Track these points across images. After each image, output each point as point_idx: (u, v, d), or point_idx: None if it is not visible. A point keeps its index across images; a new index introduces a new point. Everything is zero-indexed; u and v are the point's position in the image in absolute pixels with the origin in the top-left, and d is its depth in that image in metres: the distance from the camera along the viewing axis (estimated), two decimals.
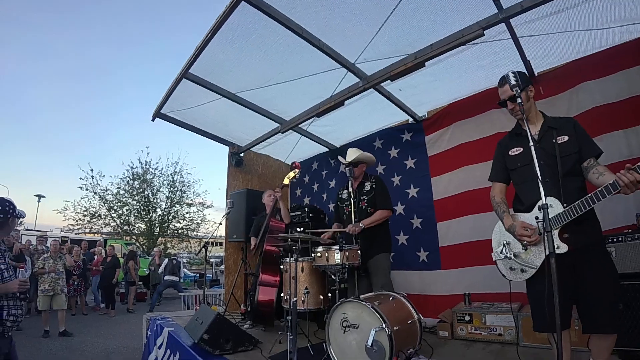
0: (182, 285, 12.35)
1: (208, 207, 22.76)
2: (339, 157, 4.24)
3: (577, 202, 2.02)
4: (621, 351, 2.73)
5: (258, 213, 5.36)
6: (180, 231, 21.72)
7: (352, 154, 4.05)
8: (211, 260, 18.61)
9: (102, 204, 19.81)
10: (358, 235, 3.73)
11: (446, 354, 3.33)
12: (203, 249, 5.58)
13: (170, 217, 21.28)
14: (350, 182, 3.84)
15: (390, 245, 4.03)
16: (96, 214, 19.69)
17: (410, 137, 5.44)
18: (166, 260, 11.92)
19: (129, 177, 20.34)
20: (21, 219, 2.99)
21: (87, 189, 19.44)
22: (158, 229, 20.82)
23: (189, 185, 21.80)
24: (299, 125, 5.54)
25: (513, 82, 2.13)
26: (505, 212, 2.44)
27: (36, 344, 6.54)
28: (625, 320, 2.70)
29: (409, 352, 2.76)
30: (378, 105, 5.00)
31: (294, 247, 3.48)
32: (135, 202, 20.36)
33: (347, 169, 3.88)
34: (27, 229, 18.10)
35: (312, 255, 3.63)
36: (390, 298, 3.09)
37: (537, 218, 2.15)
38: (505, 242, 2.38)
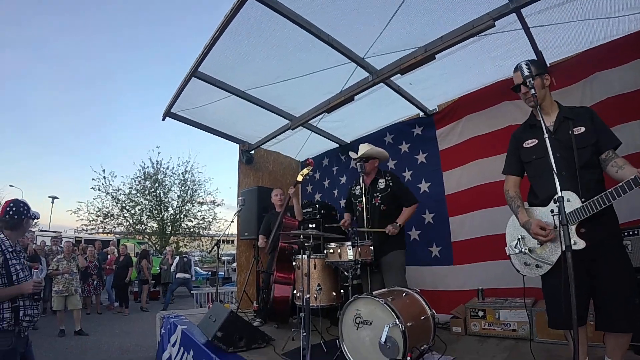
0: (192, 283, 12.45)
1: (219, 205, 22.93)
2: (350, 153, 4.22)
3: (595, 198, 1.96)
4: (637, 346, 2.67)
5: (268, 211, 5.36)
6: (192, 230, 21.90)
7: (364, 149, 4.03)
8: (223, 258, 18.73)
9: (115, 204, 20.12)
10: (372, 233, 3.73)
11: (460, 350, 3.30)
12: (215, 247, 5.61)
13: (182, 216, 21.50)
14: (361, 177, 3.81)
15: (404, 242, 4.00)
16: (109, 214, 19.99)
17: (421, 131, 5.39)
18: (177, 258, 12.02)
19: (141, 177, 20.62)
20: (35, 220, 3.01)
21: (99, 190, 19.77)
22: (170, 227, 21.03)
23: (199, 184, 22.02)
24: (309, 122, 5.52)
25: (526, 72, 2.06)
26: (520, 206, 2.39)
27: (52, 343, 6.63)
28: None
29: (422, 348, 2.74)
30: (388, 100, 4.95)
31: (306, 244, 3.47)
32: (147, 201, 20.60)
33: (357, 164, 3.86)
34: (41, 230, 18.42)
35: (325, 251, 3.62)
36: (404, 294, 3.07)
37: (552, 211, 2.10)
38: (520, 237, 2.33)
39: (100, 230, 20.20)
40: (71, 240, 11.04)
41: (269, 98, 5.13)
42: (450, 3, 3.32)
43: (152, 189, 20.55)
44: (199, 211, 22.21)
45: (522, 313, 3.44)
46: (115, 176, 20.33)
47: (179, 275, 11.38)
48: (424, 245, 5.12)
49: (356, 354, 2.84)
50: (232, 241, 19.08)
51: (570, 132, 2.21)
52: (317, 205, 5.83)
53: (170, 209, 21.19)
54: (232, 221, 6.31)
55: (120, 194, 20.19)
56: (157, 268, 13.30)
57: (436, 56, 3.68)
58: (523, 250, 2.30)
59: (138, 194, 20.52)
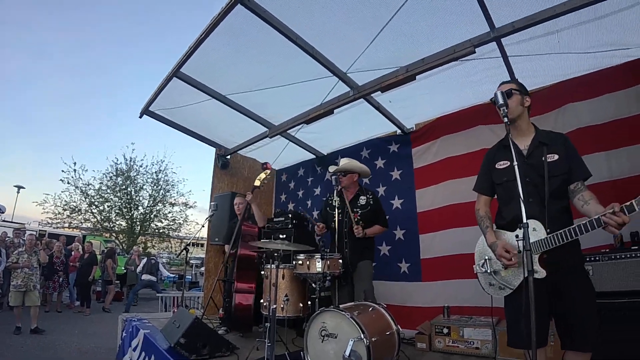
0: (160, 285, 12.17)
1: (191, 207, 22.56)
2: (330, 167, 4.25)
3: (560, 232, 2.00)
4: None
5: (233, 218, 5.32)
6: (161, 231, 21.44)
7: (344, 162, 4.07)
8: (191, 262, 18.40)
9: (83, 198, 19.49)
10: (347, 244, 3.75)
11: None
12: (184, 251, 5.52)
13: (152, 216, 21.02)
14: (336, 191, 3.84)
15: (373, 254, 4.06)
16: (76, 209, 19.35)
17: (397, 148, 5.48)
18: (145, 259, 11.74)
19: (113, 173, 20.09)
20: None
21: (68, 183, 19.11)
22: (139, 227, 20.53)
23: (173, 185, 21.60)
24: (287, 131, 5.53)
25: (501, 101, 2.12)
26: (488, 227, 2.42)
27: (7, 340, 6.38)
28: (599, 337, 2.74)
29: None
30: (367, 115, 5.02)
31: (275, 254, 3.46)
32: (117, 198, 20.06)
33: (332, 177, 3.89)
34: (4, 221, 17.67)
35: (294, 262, 3.62)
36: (370, 309, 3.09)
37: (517, 237, 2.15)
38: (487, 257, 2.37)
39: (66, 225, 19.52)
40: (34, 233, 10.64)
41: (249, 104, 5.12)
42: (434, 27, 3.42)
43: (124, 186, 20.05)
44: (170, 212, 21.78)
45: (486, 331, 3.51)
46: (86, 170, 19.85)
47: (144, 277, 11.10)
48: (393, 261, 5.17)
49: None
50: (202, 245, 18.78)
51: (543, 158, 2.23)
52: (290, 215, 5.81)
53: (140, 207, 20.70)
54: (203, 225, 6.22)
55: (90, 188, 19.61)
56: (123, 268, 12.92)
57: (417, 77, 3.76)
58: (489, 271, 2.34)
59: (108, 190, 19.98)
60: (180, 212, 22.06)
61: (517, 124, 2.34)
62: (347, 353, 2.52)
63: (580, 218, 2.06)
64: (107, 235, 19.79)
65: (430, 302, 4.64)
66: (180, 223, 21.89)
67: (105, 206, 19.89)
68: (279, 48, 3.81)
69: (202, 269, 9.29)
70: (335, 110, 4.57)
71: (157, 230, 21.35)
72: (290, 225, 5.51)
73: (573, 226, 1.97)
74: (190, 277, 16.58)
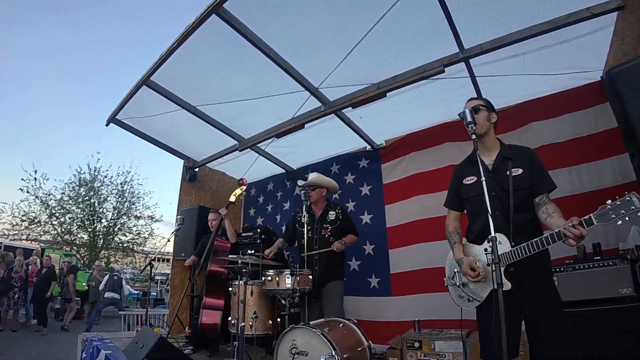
0: (123, 303, 11.70)
1: (157, 221, 21.90)
2: (299, 182, 4.23)
3: (523, 245, 2.05)
4: None
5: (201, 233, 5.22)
6: (125, 245, 20.73)
7: (313, 177, 4.06)
8: (156, 277, 17.83)
9: (43, 209, 18.57)
10: (317, 261, 3.74)
11: None
12: (149, 266, 5.33)
13: (116, 229, 20.30)
14: (306, 206, 3.82)
15: (343, 272, 4.03)
16: (35, 220, 18.41)
17: (367, 164, 5.54)
18: (107, 275, 11.24)
19: (75, 183, 19.30)
20: None
21: (28, 192, 18.22)
22: (102, 240, 19.79)
23: (138, 197, 20.96)
24: (258, 145, 5.50)
25: (469, 119, 2.18)
26: (456, 242, 2.46)
27: None
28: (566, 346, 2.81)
29: None
30: (337, 131, 5.06)
31: (243, 270, 3.39)
32: (79, 210, 19.27)
33: (302, 192, 3.87)
34: None
35: (263, 278, 3.55)
36: (341, 325, 3.06)
37: (486, 250, 2.19)
38: (456, 270, 2.39)
39: (24, 237, 18.56)
40: None
41: (219, 117, 5.07)
42: (406, 46, 3.53)
43: (87, 197, 19.30)
44: (134, 225, 21.08)
45: (457, 344, 3.53)
46: (48, 179, 18.91)
47: (107, 294, 10.61)
48: (363, 276, 5.17)
49: None
50: (168, 260, 18.26)
51: (508, 172, 2.28)
52: (258, 230, 5.73)
53: (104, 220, 19.97)
54: (169, 240, 6.03)
55: (51, 198, 18.72)
56: (85, 285, 12.33)
57: (387, 94, 3.85)
58: (458, 283, 2.37)
59: (70, 201, 19.15)
60: (145, 225, 21.41)
61: (483, 139, 2.40)
62: None
63: (548, 230, 2.12)
64: (68, 248, 18.91)
65: (401, 317, 4.65)
66: (145, 237, 21.24)
67: (67, 218, 19.08)
68: (252, 61, 3.81)
69: (168, 285, 9.01)
70: (306, 125, 4.60)
71: (120, 245, 20.62)
72: (259, 240, 5.43)
73: (535, 239, 2.02)
74: (155, 293, 16.08)
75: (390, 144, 5.33)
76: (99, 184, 19.79)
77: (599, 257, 3.11)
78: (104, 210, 19.98)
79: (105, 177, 19.96)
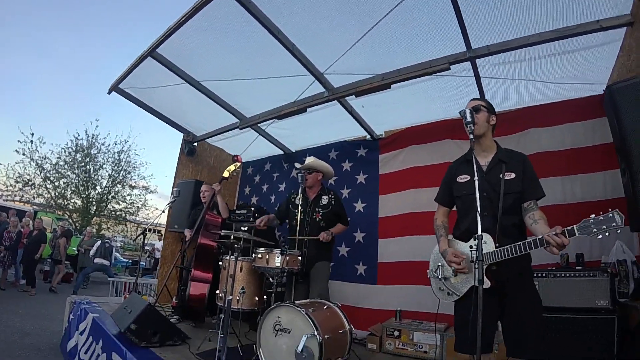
0: (112, 270, 11.78)
1: (151, 192, 21.86)
2: (296, 164, 4.27)
3: (507, 247, 2.11)
4: None
5: (195, 206, 5.26)
6: (118, 213, 20.75)
7: (310, 160, 4.10)
8: (147, 248, 17.90)
9: (38, 172, 18.51)
10: (306, 243, 3.79)
11: None
12: (141, 236, 5.40)
13: (110, 197, 20.28)
14: (302, 189, 3.88)
15: (332, 255, 4.11)
16: (30, 182, 18.38)
17: (365, 153, 5.59)
18: (98, 242, 11.29)
19: (72, 149, 19.17)
20: None
21: (24, 154, 18.13)
22: (95, 207, 19.78)
23: (134, 167, 20.89)
24: (258, 124, 5.53)
25: (469, 119, 2.23)
26: (442, 236, 2.53)
27: None
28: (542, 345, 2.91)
29: None
30: (339, 117, 5.08)
31: (235, 245, 3.46)
32: (74, 175, 19.18)
33: (299, 174, 3.92)
34: None
35: (253, 255, 3.62)
36: (325, 307, 3.14)
37: (471, 247, 2.25)
38: (440, 264, 2.46)
39: (17, 199, 18.55)
40: None
41: (222, 93, 5.08)
42: (414, 40, 3.54)
43: (82, 164, 19.20)
44: (128, 195, 21.05)
45: (435, 336, 3.64)
46: (44, 142, 18.77)
47: (97, 260, 10.68)
48: (351, 263, 5.26)
49: None
50: (159, 231, 18.30)
51: (501, 175, 2.34)
52: (252, 208, 5.80)
53: (98, 187, 19.89)
54: (163, 211, 6.07)
55: (46, 162, 18.63)
56: (75, 249, 12.40)
57: (391, 86, 3.87)
58: (440, 277, 2.44)
59: (66, 166, 19.04)
60: (139, 195, 21.39)
61: (481, 140, 2.45)
62: (300, 348, 2.56)
63: (532, 235, 2.19)
64: (60, 213, 18.91)
65: (384, 305, 4.75)
66: (138, 207, 21.23)
67: (61, 182, 18.99)
68: (260, 41, 3.81)
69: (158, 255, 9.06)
70: (308, 109, 4.62)
71: (113, 213, 20.63)
72: (252, 219, 5.50)
73: (519, 243, 2.08)
74: (145, 263, 16.17)
75: (390, 135, 5.37)
76: (96, 151, 19.69)
77: (580, 267, 3.20)
78: (99, 178, 19.91)
79: (103, 144, 19.88)
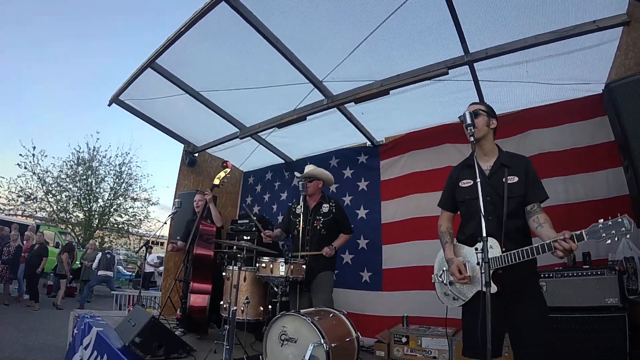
0: (115, 282, 11.73)
1: (153, 204, 21.87)
2: (296, 173, 4.27)
3: (514, 251, 2.09)
4: None
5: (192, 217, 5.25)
6: (120, 226, 20.73)
7: (309, 169, 4.09)
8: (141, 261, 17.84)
9: (40, 186, 18.52)
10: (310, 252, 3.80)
11: None
12: (144, 248, 5.39)
13: (112, 210, 20.28)
14: (303, 198, 3.86)
15: (335, 264, 4.08)
16: (32, 196, 18.38)
17: (366, 159, 5.59)
18: (100, 254, 11.23)
19: (74, 162, 19.21)
20: None
21: (25, 168, 18.14)
22: (97, 220, 19.76)
23: (136, 179, 20.90)
24: (258, 134, 5.53)
25: (469, 121, 2.22)
26: (447, 242, 2.51)
27: None
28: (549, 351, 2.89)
29: None
30: (338, 125, 5.09)
31: (238, 255, 3.44)
32: (76, 188, 19.19)
33: (300, 183, 3.91)
34: None
35: (257, 265, 3.61)
36: (330, 315, 3.12)
37: (476, 249, 2.24)
38: (445, 269, 2.45)
39: (19, 213, 18.55)
40: None
41: (222, 103, 5.09)
42: (411, 46, 3.56)
43: (84, 177, 19.23)
44: (131, 207, 21.06)
45: (443, 341, 3.61)
46: (46, 156, 18.85)
47: (100, 272, 10.61)
48: (355, 270, 5.24)
49: None
50: (162, 243, 18.25)
51: (504, 179, 2.32)
52: (255, 218, 5.79)
53: (100, 200, 19.88)
54: (165, 223, 6.08)
55: (48, 176, 18.64)
56: (78, 263, 12.36)
57: (390, 92, 3.88)
58: (445, 282, 2.43)
59: (68, 179, 19.06)
60: (141, 207, 21.38)
61: (481, 143, 2.44)
62: (307, 358, 2.54)
63: (536, 237, 2.18)
64: (63, 226, 18.92)
65: (390, 312, 4.72)
66: (140, 219, 21.22)
67: (63, 196, 18.99)
68: (258, 50, 3.83)
69: (161, 268, 9.01)
70: (308, 117, 4.63)
71: (116, 225, 20.62)
72: (254, 228, 5.49)
73: (525, 248, 2.07)
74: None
75: (390, 141, 5.37)
76: (97, 164, 19.71)
77: (587, 266, 3.18)
78: (101, 190, 19.90)
79: (104, 157, 19.90)
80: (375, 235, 5.20)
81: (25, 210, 18.54)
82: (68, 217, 19.15)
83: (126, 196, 20.65)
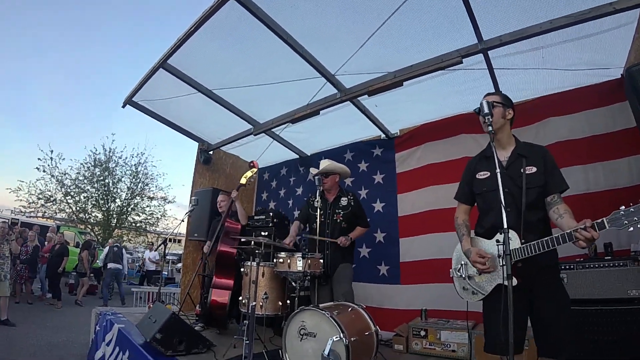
0: (124, 274, 11.87)
1: (170, 202, 22.17)
2: (311, 169, 4.27)
3: (534, 243, 2.05)
4: None
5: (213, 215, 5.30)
6: (138, 225, 21.05)
7: (324, 164, 4.08)
8: (168, 257, 18.08)
9: (59, 188, 18.91)
10: (328, 246, 3.80)
11: None
12: (163, 245, 5.45)
13: (130, 209, 20.60)
14: (319, 192, 3.85)
15: (353, 257, 4.09)
16: (51, 198, 18.79)
17: (381, 152, 5.56)
18: (107, 247, 11.36)
19: (90, 163, 19.55)
20: None
21: (44, 171, 18.53)
22: (116, 220, 20.10)
23: (152, 178, 21.18)
24: (272, 129, 5.54)
25: (486, 110, 2.17)
26: (464, 235, 2.47)
27: None
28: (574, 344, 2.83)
29: None
30: (352, 118, 5.06)
31: (256, 251, 3.46)
32: (94, 189, 19.55)
33: (316, 178, 3.91)
34: None
35: (274, 260, 3.62)
36: (349, 309, 3.12)
37: (497, 241, 2.19)
38: (463, 262, 2.42)
39: (40, 215, 18.97)
40: (7, 221, 10.27)
41: (235, 101, 5.10)
42: (424, 36, 3.51)
43: (101, 177, 19.56)
44: (148, 206, 21.35)
45: (462, 335, 3.58)
46: (64, 159, 19.21)
47: (110, 265, 10.73)
48: (373, 263, 5.23)
49: None
50: (179, 241, 18.44)
51: (522, 170, 2.28)
52: (271, 214, 5.81)
53: (118, 200, 20.21)
54: (183, 220, 6.14)
55: (67, 178, 19.00)
56: (99, 262, 12.57)
57: (404, 83, 3.84)
58: (464, 276, 2.39)
59: (85, 181, 19.43)
60: (158, 206, 21.67)
61: (498, 135, 2.38)
62: (327, 352, 2.54)
63: (556, 228, 2.13)
64: (82, 226, 19.31)
65: (408, 305, 4.71)
66: (158, 217, 21.52)
67: (82, 197, 19.36)
68: (269, 46, 3.82)
69: (179, 265, 9.10)
70: (321, 112, 4.61)
71: (134, 224, 20.95)
72: (271, 224, 5.52)
73: (545, 238, 2.03)
74: (167, 272, 16.35)
75: (405, 133, 5.32)
76: (114, 165, 20.02)
77: (609, 257, 3.12)
78: (118, 191, 20.23)
79: (120, 158, 20.20)
80: (392, 228, 5.17)
81: (45, 212, 18.96)
82: (87, 217, 19.54)
83: (143, 195, 20.95)
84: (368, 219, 4.22)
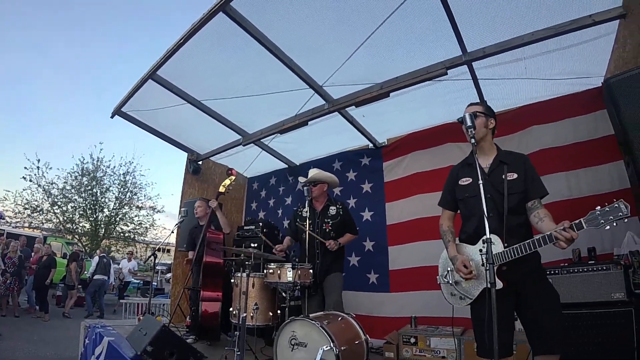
0: (108, 285, 11.73)
1: (159, 212, 21.90)
2: (300, 178, 4.30)
3: (516, 246, 2.11)
4: None
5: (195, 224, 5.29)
6: (127, 235, 20.80)
7: (313, 173, 4.12)
8: (157, 267, 17.87)
9: (46, 198, 18.62)
10: (318, 255, 3.81)
11: None
12: (152, 257, 5.42)
13: (118, 219, 20.35)
14: (308, 201, 3.89)
15: (343, 266, 4.11)
16: (38, 208, 18.49)
17: (369, 162, 5.61)
18: (96, 258, 11.25)
19: (78, 173, 19.28)
20: None
21: (30, 180, 18.24)
22: (104, 230, 19.85)
23: (140, 187, 20.95)
24: (261, 140, 5.57)
25: (469, 123, 2.24)
26: (450, 241, 2.52)
27: None
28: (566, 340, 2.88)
29: None
30: (340, 128, 5.12)
31: (246, 262, 3.47)
32: (81, 199, 19.25)
33: (304, 187, 3.94)
34: None
35: (264, 271, 3.64)
36: (339, 318, 3.15)
37: (481, 251, 2.24)
38: (449, 269, 2.46)
39: (26, 225, 18.65)
40: None
41: (224, 111, 5.12)
42: (410, 48, 3.59)
43: (89, 187, 19.29)
44: (136, 216, 21.11)
45: (452, 341, 3.61)
46: (51, 168, 18.82)
47: (97, 276, 10.60)
48: (362, 272, 5.26)
49: None
50: (169, 250, 18.24)
51: (503, 176, 2.35)
52: (260, 224, 5.82)
53: (106, 210, 19.94)
54: (172, 232, 6.12)
55: (54, 187, 18.73)
56: (87, 273, 12.40)
57: (390, 94, 3.91)
58: (450, 282, 2.44)
59: (73, 190, 19.11)
60: (147, 216, 21.42)
61: (481, 144, 2.46)
62: None
63: (538, 233, 2.19)
64: (70, 237, 19.02)
65: (398, 313, 4.74)
66: (146, 227, 21.26)
67: (69, 207, 19.05)
68: (257, 58, 3.87)
69: (168, 275, 8.99)
70: (309, 122, 4.67)
71: (122, 234, 20.69)
72: (260, 234, 5.53)
73: (527, 241, 2.09)
74: (156, 283, 16.15)
75: (392, 142, 5.40)
76: (102, 174, 19.75)
77: (593, 262, 3.19)
78: (106, 200, 19.94)
79: (108, 167, 19.94)
80: (380, 236, 5.22)
81: (31, 222, 18.64)
82: (75, 227, 19.22)
83: (131, 205, 20.70)
84: (357, 228, 4.26)
